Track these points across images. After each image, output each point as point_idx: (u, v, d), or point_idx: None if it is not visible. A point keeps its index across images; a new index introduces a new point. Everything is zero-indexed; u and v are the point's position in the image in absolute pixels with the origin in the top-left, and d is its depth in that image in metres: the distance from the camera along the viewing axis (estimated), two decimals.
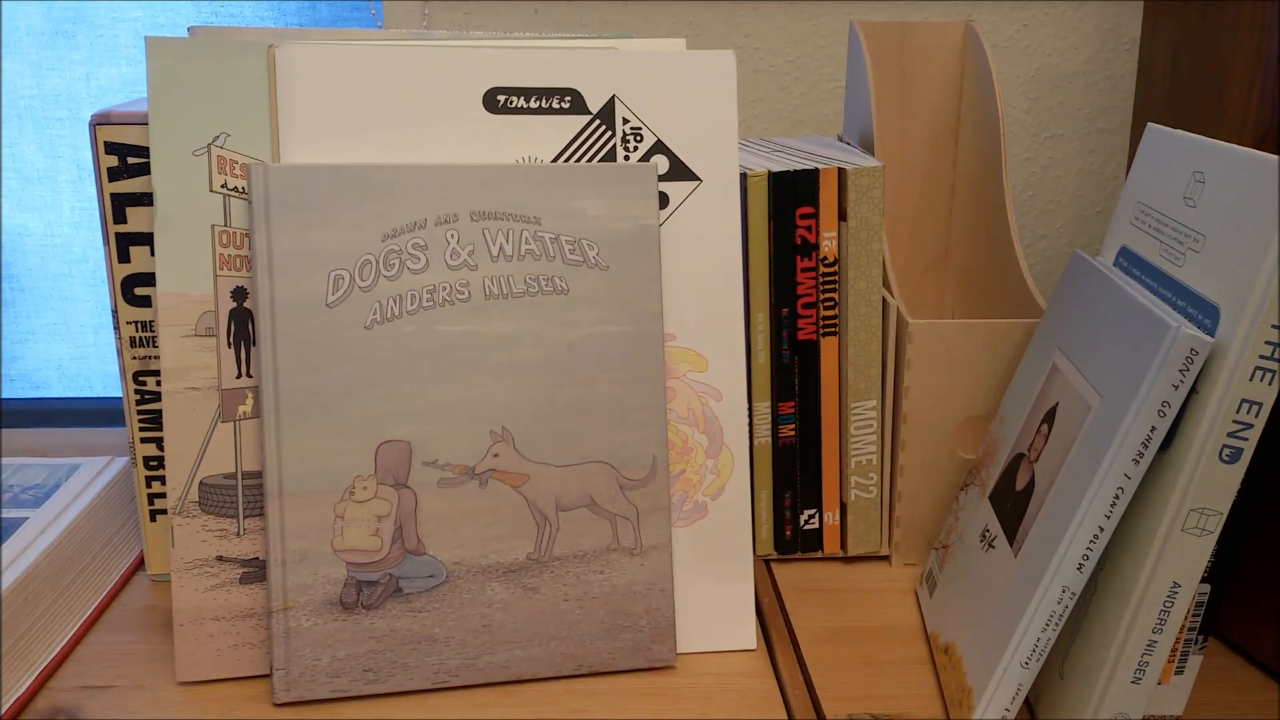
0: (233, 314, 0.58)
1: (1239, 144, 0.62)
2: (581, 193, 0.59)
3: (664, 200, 0.62)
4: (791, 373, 0.68)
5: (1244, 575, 0.61)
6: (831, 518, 0.70)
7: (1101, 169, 1.04)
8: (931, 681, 0.60)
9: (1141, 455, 0.48)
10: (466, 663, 0.59)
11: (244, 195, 0.58)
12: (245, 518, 0.58)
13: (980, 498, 0.62)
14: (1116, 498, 0.49)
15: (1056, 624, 0.50)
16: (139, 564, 0.71)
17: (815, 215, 0.66)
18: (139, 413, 0.66)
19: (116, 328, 0.65)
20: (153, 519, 0.68)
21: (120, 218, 0.63)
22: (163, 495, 0.67)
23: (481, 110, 0.60)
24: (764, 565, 0.71)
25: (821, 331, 0.68)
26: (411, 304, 0.57)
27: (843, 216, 0.66)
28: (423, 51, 0.59)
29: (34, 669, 0.58)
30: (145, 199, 0.63)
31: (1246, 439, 0.47)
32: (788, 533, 0.70)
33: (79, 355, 1.13)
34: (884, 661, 0.61)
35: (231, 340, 0.58)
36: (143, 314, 0.64)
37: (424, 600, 0.58)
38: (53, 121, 1.07)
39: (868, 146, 0.78)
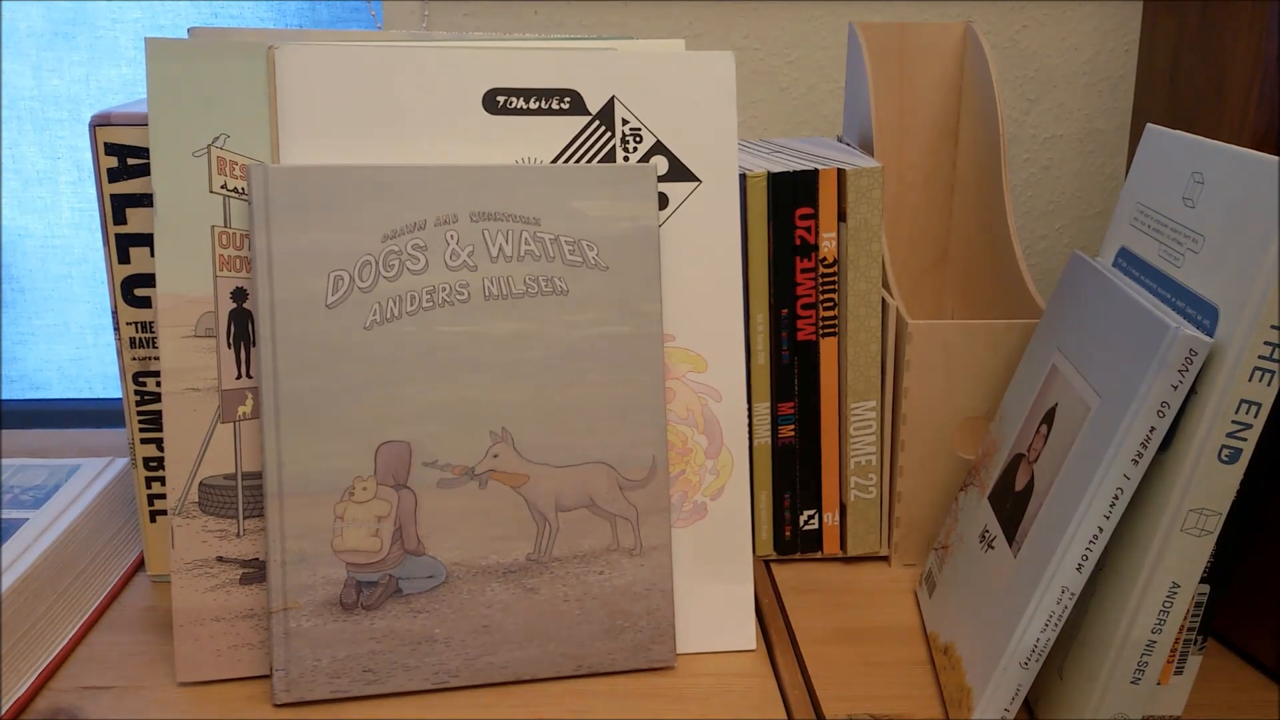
0: (232, 315, 0.58)
1: (1238, 145, 0.62)
2: (581, 193, 0.59)
3: (663, 201, 0.62)
4: (791, 373, 0.68)
5: (1243, 575, 0.61)
6: (831, 518, 0.70)
7: (1101, 170, 1.04)
8: (931, 682, 0.60)
9: (1141, 455, 0.48)
10: (466, 663, 0.59)
11: (244, 196, 0.58)
12: (245, 518, 0.58)
13: (979, 498, 0.62)
14: (1115, 498, 0.49)
15: (1056, 624, 0.50)
16: (139, 564, 0.71)
17: (815, 216, 0.66)
18: (139, 413, 0.66)
19: (116, 329, 0.65)
20: (153, 519, 0.68)
21: (120, 219, 0.63)
22: (163, 496, 0.67)
23: (481, 111, 0.60)
24: (764, 566, 0.71)
25: (821, 332, 0.68)
26: (411, 305, 0.57)
27: (842, 217, 0.66)
28: (422, 52, 0.59)
29: (34, 669, 0.58)
30: (145, 200, 0.63)
31: (1246, 439, 0.47)
32: (787, 533, 0.70)
33: (79, 356, 1.13)
34: (884, 662, 0.61)
35: (231, 341, 0.58)
36: (143, 315, 0.64)
37: (424, 601, 0.58)
38: (52, 122, 1.07)
39: (867, 147, 0.78)
